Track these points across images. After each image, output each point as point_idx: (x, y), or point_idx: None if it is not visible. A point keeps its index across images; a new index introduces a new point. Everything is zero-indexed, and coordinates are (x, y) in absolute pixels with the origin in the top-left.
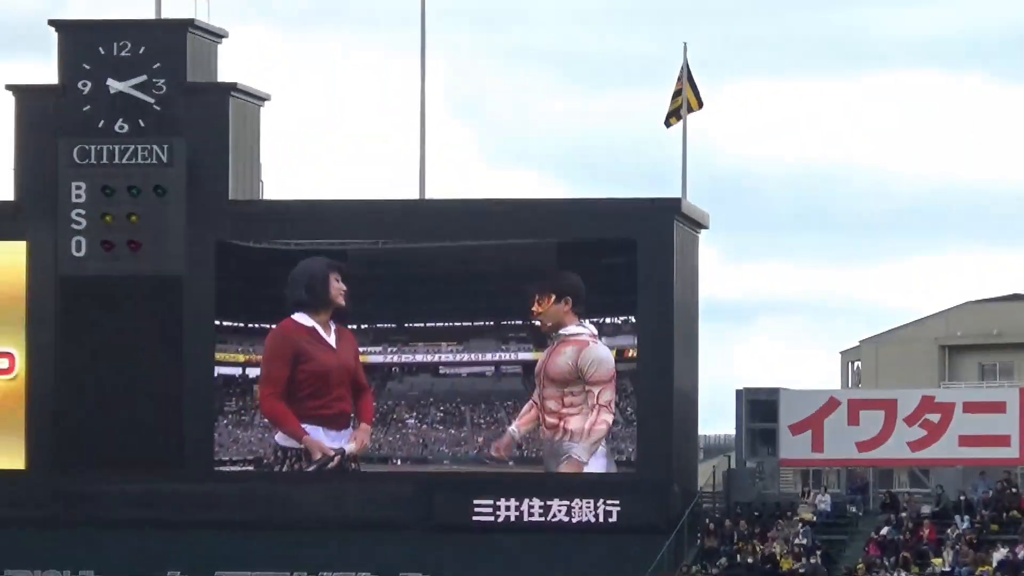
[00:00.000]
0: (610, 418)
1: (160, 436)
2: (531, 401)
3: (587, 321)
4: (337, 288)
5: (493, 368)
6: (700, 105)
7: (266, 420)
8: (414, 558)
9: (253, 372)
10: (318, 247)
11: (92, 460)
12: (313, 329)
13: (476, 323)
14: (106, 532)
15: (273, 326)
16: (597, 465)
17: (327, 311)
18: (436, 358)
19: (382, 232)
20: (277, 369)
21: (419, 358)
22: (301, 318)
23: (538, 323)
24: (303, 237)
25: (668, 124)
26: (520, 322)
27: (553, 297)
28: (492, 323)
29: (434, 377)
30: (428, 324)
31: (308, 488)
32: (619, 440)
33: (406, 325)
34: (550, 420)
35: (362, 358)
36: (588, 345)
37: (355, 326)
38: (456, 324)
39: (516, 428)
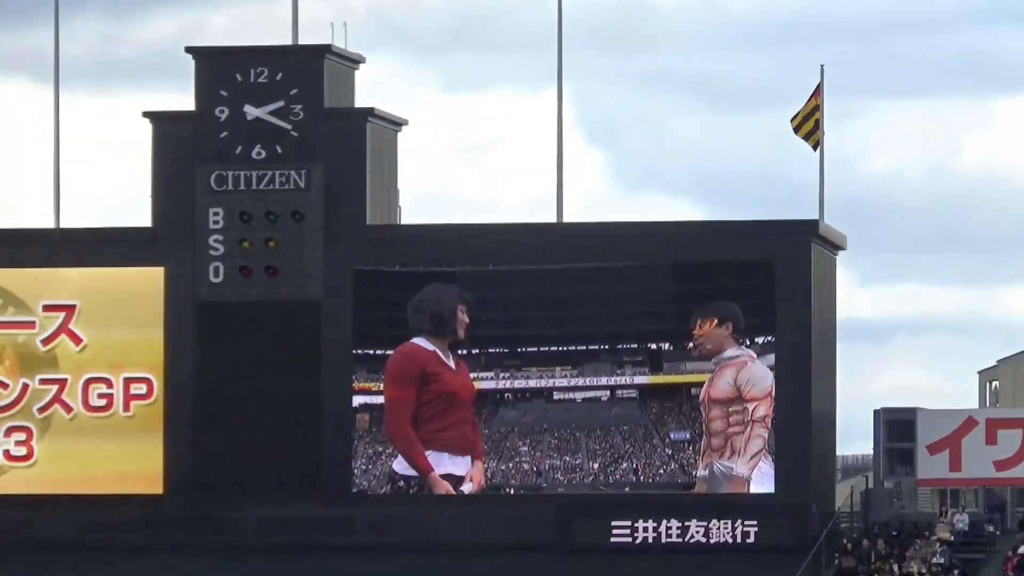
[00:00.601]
0: (765, 433)
1: (297, 461)
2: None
3: (745, 346)
4: (462, 320)
5: (608, 393)
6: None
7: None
8: None
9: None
10: (447, 272)
11: (230, 485)
12: (435, 353)
13: (591, 347)
14: (244, 557)
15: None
16: (761, 481)
17: (446, 340)
18: (550, 383)
19: (519, 256)
20: (405, 391)
21: (532, 383)
22: (422, 342)
23: (699, 345)
24: (440, 262)
25: (815, 147)
26: (635, 345)
27: (715, 321)
28: (607, 347)
29: (548, 403)
30: (542, 349)
31: (445, 511)
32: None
33: (519, 350)
34: (715, 442)
35: (475, 384)
36: (747, 365)
37: (464, 351)
38: (570, 348)
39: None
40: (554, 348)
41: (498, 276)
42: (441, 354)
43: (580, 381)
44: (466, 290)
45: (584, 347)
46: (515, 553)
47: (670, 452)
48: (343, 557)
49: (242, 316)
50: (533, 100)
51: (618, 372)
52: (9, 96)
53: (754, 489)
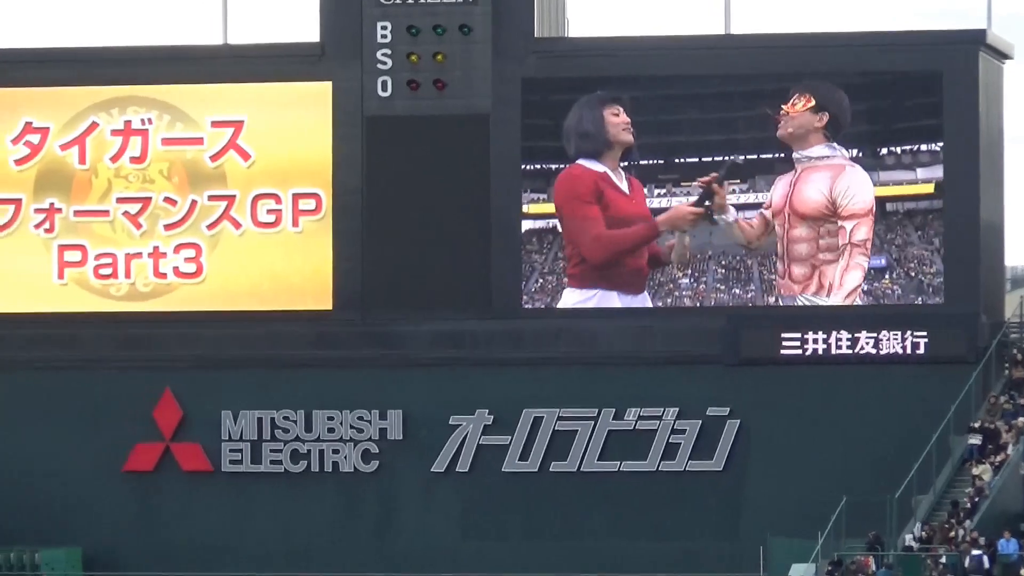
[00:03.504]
0: (865, 262)
1: (466, 275)
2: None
3: (837, 145)
4: (616, 123)
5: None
6: None
7: (597, 264)
8: (719, 394)
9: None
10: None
11: (399, 300)
12: (605, 174)
13: (762, 156)
14: (413, 372)
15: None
16: None
17: (613, 153)
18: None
19: (685, 68)
20: (588, 211)
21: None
22: (588, 162)
23: (780, 128)
24: (607, 74)
25: None
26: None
27: (812, 102)
28: (782, 155)
29: (711, 224)
30: (703, 159)
31: (614, 324)
32: (925, 273)
33: (676, 160)
34: (798, 271)
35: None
36: (844, 170)
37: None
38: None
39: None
40: (719, 157)
41: (665, 87)
42: (612, 174)
43: (752, 197)
44: (614, 93)
45: (756, 155)
46: (683, 366)
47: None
48: (510, 371)
49: (410, 130)
50: None
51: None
52: None
53: None
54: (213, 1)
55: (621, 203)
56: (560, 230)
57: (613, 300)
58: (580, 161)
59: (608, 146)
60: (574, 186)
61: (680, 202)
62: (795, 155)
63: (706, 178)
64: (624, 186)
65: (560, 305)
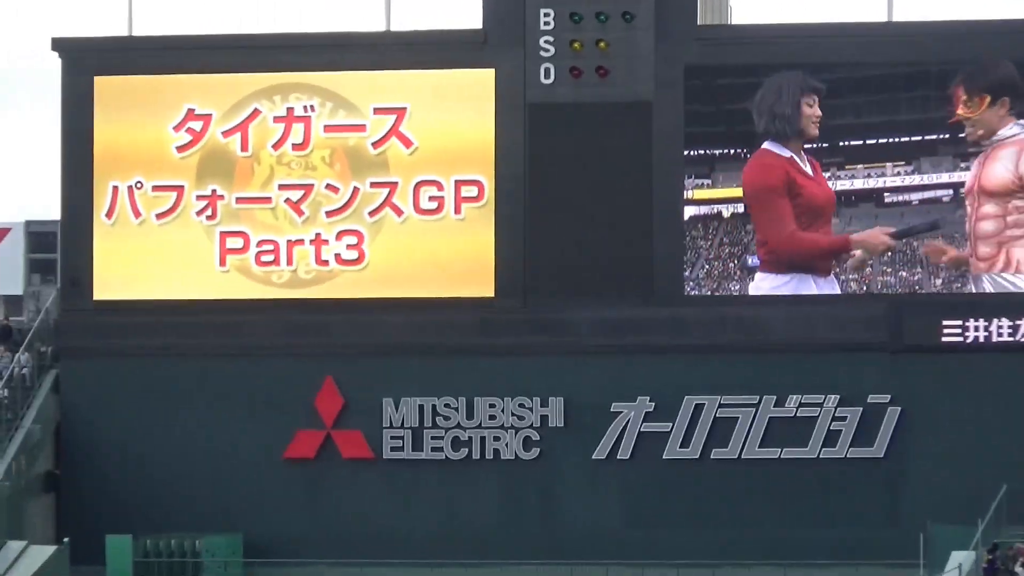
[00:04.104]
0: None
1: (629, 262)
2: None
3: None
4: (808, 114)
5: (951, 191)
6: None
7: (789, 265)
8: (881, 381)
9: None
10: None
11: (561, 287)
12: (792, 159)
13: (927, 137)
14: (575, 359)
15: (745, 153)
16: None
17: (798, 140)
18: (880, 183)
19: (850, 55)
20: (780, 206)
21: (858, 184)
22: (775, 147)
23: (968, 134)
24: (771, 61)
25: None
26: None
27: (988, 99)
28: (947, 136)
29: (878, 207)
30: (868, 141)
31: (775, 311)
32: None
33: (841, 144)
34: (984, 249)
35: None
36: None
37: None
38: (902, 140)
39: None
40: (883, 140)
41: (827, 72)
42: (798, 158)
43: (918, 179)
44: (813, 79)
45: (920, 137)
46: (845, 352)
47: None
48: (672, 358)
49: (573, 117)
50: None
51: (962, 166)
52: None
53: None
54: None
55: (810, 188)
56: (749, 215)
57: (809, 285)
58: (767, 145)
59: (798, 134)
60: (766, 176)
61: (847, 185)
62: (984, 142)
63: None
64: (808, 169)
65: (752, 291)
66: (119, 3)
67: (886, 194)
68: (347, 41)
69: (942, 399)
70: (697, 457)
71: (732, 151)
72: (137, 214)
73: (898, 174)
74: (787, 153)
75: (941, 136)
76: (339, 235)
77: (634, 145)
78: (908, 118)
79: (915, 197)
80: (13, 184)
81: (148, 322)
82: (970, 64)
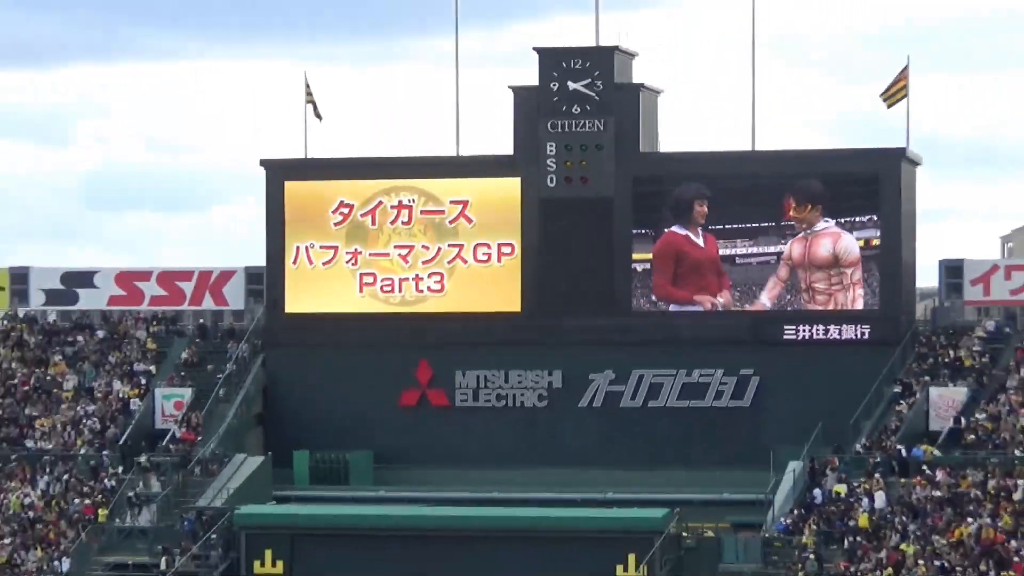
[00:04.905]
0: (863, 293)
1: (600, 290)
2: (774, 278)
3: (829, 219)
4: (699, 212)
5: (775, 258)
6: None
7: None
8: (748, 361)
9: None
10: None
11: (558, 305)
12: (687, 236)
13: (762, 224)
14: (568, 348)
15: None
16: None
17: (694, 225)
18: (731, 251)
19: (726, 174)
20: (667, 265)
21: (724, 252)
22: (678, 229)
23: (796, 228)
24: (687, 174)
25: (889, 106)
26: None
27: (809, 206)
28: (773, 224)
29: (731, 266)
30: (727, 226)
31: (685, 319)
32: (870, 293)
33: (722, 227)
34: (820, 299)
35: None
36: (841, 236)
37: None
38: (751, 226)
39: (767, 300)
40: (738, 225)
41: (719, 182)
42: (692, 235)
43: (755, 249)
44: (705, 188)
45: (756, 224)
46: (729, 344)
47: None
48: (625, 347)
49: (567, 206)
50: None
51: (780, 242)
52: None
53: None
54: (449, 122)
55: (695, 253)
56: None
57: (707, 305)
58: (673, 228)
59: (692, 221)
60: (663, 249)
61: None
62: (806, 231)
63: None
64: (700, 241)
65: (672, 308)
66: (297, 135)
67: (736, 259)
68: (433, 161)
69: (785, 372)
70: (640, 406)
71: (651, 232)
72: (311, 262)
73: (744, 246)
74: (684, 232)
75: (772, 224)
76: (429, 275)
77: (602, 225)
78: (756, 211)
79: (754, 261)
80: (237, 243)
81: (318, 325)
82: (798, 179)
